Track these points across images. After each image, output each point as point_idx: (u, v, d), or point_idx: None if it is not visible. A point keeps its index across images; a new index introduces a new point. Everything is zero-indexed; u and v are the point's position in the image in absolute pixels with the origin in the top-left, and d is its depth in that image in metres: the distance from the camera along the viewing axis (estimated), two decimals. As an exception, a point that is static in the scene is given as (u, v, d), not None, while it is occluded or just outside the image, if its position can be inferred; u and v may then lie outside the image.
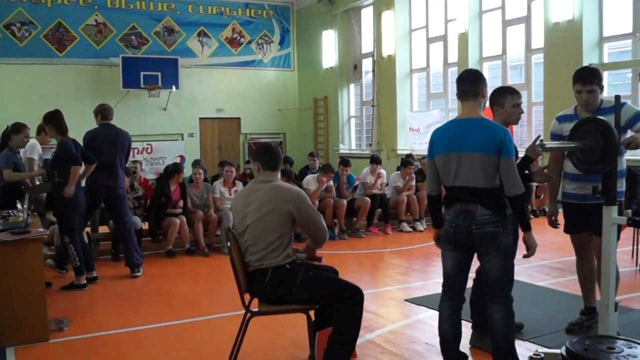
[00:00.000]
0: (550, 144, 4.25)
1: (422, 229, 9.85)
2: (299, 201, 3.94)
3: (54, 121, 6.41)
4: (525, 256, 3.68)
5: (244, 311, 4.04)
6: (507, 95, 4.12)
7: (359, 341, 4.18)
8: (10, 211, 5.94)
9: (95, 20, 15.05)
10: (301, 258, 4.13)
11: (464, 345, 4.14)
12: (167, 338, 4.97)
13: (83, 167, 6.47)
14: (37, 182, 7.02)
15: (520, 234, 3.74)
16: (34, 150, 7.72)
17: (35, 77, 14.26)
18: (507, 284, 3.65)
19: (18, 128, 6.75)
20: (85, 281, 6.57)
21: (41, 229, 5.20)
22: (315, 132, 16.69)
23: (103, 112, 7.15)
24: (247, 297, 4.03)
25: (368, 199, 9.48)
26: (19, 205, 5.83)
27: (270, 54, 17.11)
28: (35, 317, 4.79)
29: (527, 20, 11.76)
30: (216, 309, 5.67)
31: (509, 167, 3.49)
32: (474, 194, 3.56)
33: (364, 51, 15.32)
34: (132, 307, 5.96)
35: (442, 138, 3.71)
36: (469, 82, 3.67)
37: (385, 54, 14.10)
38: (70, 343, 4.86)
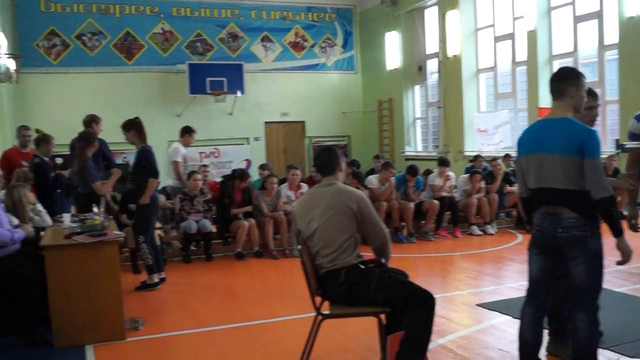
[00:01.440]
0: (630, 144, 4.07)
1: (493, 232, 9.63)
2: (360, 202, 3.91)
3: (136, 128, 6.61)
4: (619, 263, 3.51)
5: (314, 314, 4.02)
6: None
7: (430, 346, 4.09)
8: (86, 214, 6.14)
9: (162, 29, 15.41)
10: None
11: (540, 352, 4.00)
12: (238, 339, 5.01)
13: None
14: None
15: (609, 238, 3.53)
16: (177, 153, 8.38)
17: (105, 85, 14.70)
18: (594, 291, 3.49)
19: (94, 137, 6.95)
20: (157, 280, 6.74)
21: (117, 232, 5.34)
22: (380, 134, 16.60)
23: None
24: (318, 300, 4.02)
25: (436, 201, 9.34)
26: (94, 209, 6.00)
27: (333, 57, 17.13)
28: (112, 316, 4.92)
29: (599, 15, 11.33)
30: (286, 311, 5.67)
31: (593, 169, 3.34)
32: (558, 196, 3.43)
33: (428, 52, 15.14)
34: (204, 308, 6.05)
35: (526, 139, 3.63)
36: (555, 82, 3.57)
37: (450, 54, 13.90)
38: (145, 342, 4.97)
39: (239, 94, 15.22)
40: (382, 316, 3.97)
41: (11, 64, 10.67)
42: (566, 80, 3.53)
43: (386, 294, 3.83)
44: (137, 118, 6.70)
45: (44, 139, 7.20)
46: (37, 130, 7.36)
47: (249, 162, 14.99)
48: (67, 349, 4.74)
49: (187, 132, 9.18)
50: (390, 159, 15.07)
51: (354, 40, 17.35)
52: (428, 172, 10.04)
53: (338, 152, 4.19)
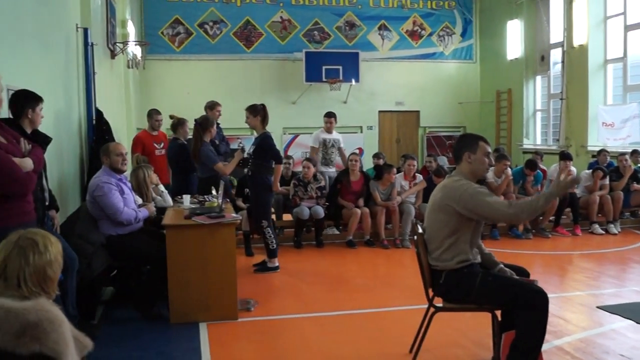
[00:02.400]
0: None
1: (616, 231, 9.10)
2: (462, 196, 3.70)
3: (262, 114, 6.79)
4: None
5: (424, 305, 3.98)
6: None
7: (545, 346, 3.94)
8: (205, 196, 6.37)
9: (281, 17, 15.68)
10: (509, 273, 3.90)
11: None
12: (347, 326, 5.04)
13: None
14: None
15: None
16: (317, 139, 8.91)
17: (224, 72, 15.16)
18: None
19: (212, 122, 7.15)
20: (277, 264, 6.91)
21: (234, 214, 5.50)
22: (497, 126, 16.07)
23: None
24: (431, 292, 3.96)
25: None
26: (213, 192, 6.22)
27: (451, 46, 16.74)
28: (226, 296, 5.08)
29: None
30: (395, 302, 5.65)
31: None
32: None
33: (552, 41, 14.43)
34: (314, 293, 6.13)
35: None
36: None
37: (576, 43, 13.18)
38: (256, 323, 5.11)
39: (353, 82, 15.23)
40: (498, 312, 3.86)
41: (138, 51, 11.27)
42: None
43: (490, 298, 3.72)
44: (263, 105, 6.86)
45: (179, 123, 7.48)
46: (172, 116, 7.69)
47: (361, 150, 14.99)
48: (182, 325, 4.95)
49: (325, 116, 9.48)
50: (507, 151, 14.59)
51: (474, 29, 16.86)
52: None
53: (470, 139, 3.94)
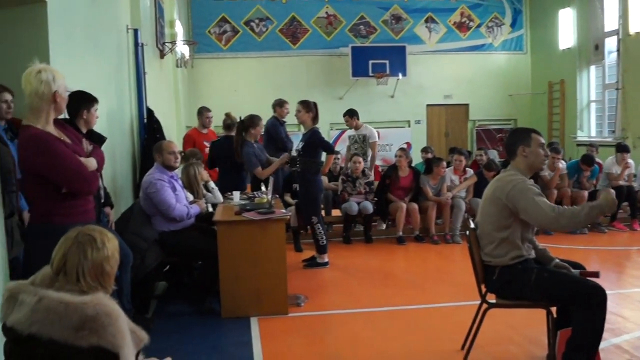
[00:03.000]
0: None
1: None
2: (512, 190, 3.64)
3: (314, 111, 6.85)
4: None
5: (475, 302, 3.92)
6: None
7: (603, 345, 3.84)
8: (255, 193, 6.43)
9: (326, 13, 15.68)
10: (574, 274, 3.78)
11: None
12: (397, 322, 5.00)
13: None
14: None
15: None
16: (374, 135, 8.93)
17: (270, 69, 15.28)
18: None
19: (255, 122, 7.14)
20: (327, 260, 6.93)
21: (284, 211, 5.53)
22: (550, 118, 15.70)
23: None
24: (484, 288, 3.90)
25: (613, 191, 8.63)
26: (263, 188, 6.26)
27: (501, 37, 16.43)
28: (277, 291, 5.11)
29: None
30: (446, 298, 5.58)
31: None
32: None
33: (607, 29, 14.00)
34: (364, 289, 6.10)
35: None
36: None
37: (633, 31, 12.75)
38: (306, 318, 5.13)
39: (401, 76, 15.12)
40: (553, 309, 3.77)
41: (186, 51, 11.44)
42: None
43: (546, 294, 3.63)
44: (315, 103, 6.93)
45: (233, 123, 7.57)
46: (228, 115, 7.76)
47: (409, 145, 14.88)
48: (234, 319, 5.01)
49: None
50: (561, 144, 14.27)
51: (524, 19, 16.51)
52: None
53: (522, 133, 3.87)
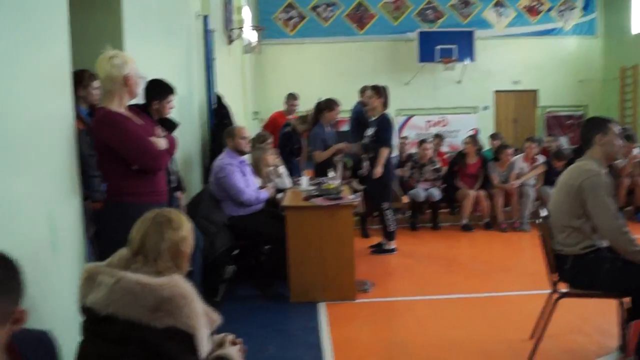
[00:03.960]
0: None
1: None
2: (585, 181, 3.54)
3: (385, 95, 6.83)
4: None
5: (544, 291, 3.86)
6: None
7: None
8: (322, 178, 6.46)
9: (393, -3, 15.51)
10: None
11: None
12: (463, 309, 4.97)
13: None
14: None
15: None
16: None
17: (336, 54, 15.20)
18: None
19: (331, 105, 7.23)
20: (394, 246, 6.94)
21: (352, 196, 5.54)
22: (622, 104, 15.11)
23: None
24: (554, 277, 3.83)
25: None
26: (330, 173, 6.28)
27: (572, 20, 15.86)
28: (344, 277, 5.13)
29: None
30: (514, 286, 5.50)
31: None
32: None
33: (686, 11, 13.39)
34: (429, 276, 6.08)
35: None
36: None
37: None
38: (373, 304, 5.14)
39: (468, 61, 14.83)
40: (626, 300, 3.67)
41: (254, 37, 11.54)
42: None
43: (618, 285, 3.52)
44: (385, 87, 6.87)
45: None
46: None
47: (476, 131, 14.61)
48: (301, 304, 5.07)
49: None
50: (634, 131, 13.73)
51: (596, 2, 15.90)
52: None
53: (598, 122, 3.78)
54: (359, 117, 7.78)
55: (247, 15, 11.20)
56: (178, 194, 4.77)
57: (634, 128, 14.13)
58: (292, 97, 8.80)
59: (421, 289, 5.57)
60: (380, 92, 6.77)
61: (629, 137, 8.50)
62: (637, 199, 8.40)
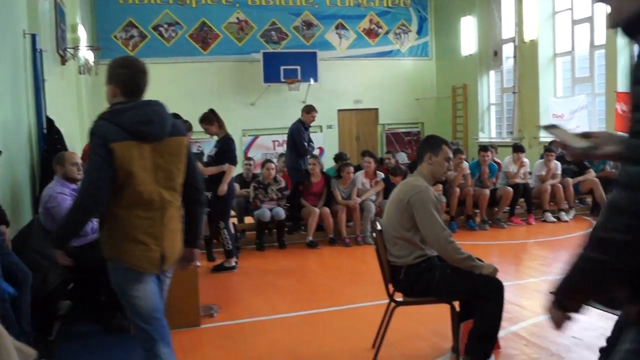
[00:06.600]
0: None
1: (567, 219, 9.38)
2: (414, 196, 3.80)
3: (217, 119, 6.80)
4: None
5: (387, 301, 4.02)
6: None
7: (502, 333, 4.10)
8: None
9: (237, 18, 15.56)
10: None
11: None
12: (313, 325, 5.06)
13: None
14: None
15: None
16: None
17: (181, 75, 14.95)
18: None
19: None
20: (234, 263, 6.95)
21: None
22: (454, 120, 16.28)
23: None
24: (391, 287, 4.01)
25: (510, 188, 9.15)
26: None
27: (407, 43, 16.87)
28: (188, 303, 5.00)
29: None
30: (359, 299, 5.67)
31: None
32: None
33: (504, 36, 14.67)
34: (278, 295, 6.11)
35: None
36: None
37: (527, 38, 13.43)
38: (220, 328, 5.07)
39: (312, 82, 15.24)
40: (456, 303, 3.94)
41: (90, 56, 11.05)
42: None
43: (449, 290, 3.81)
44: (212, 110, 6.86)
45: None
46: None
47: (321, 150, 15.01)
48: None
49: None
50: (464, 145, 14.81)
51: (429, 26, 17.03)
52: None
53: (434, 142, 4.03)
54: (294, 135, 8.78)
55: (82, 34, 10.71)
56: (2, 227, 4.42)
57: (465, 141, 15.26)
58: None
59: (271, 309, 5.57)
60: (208, 119, 6.79)
61: (457, 151, 9.16)
62: (468, 208, 9.04)
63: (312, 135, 15.38)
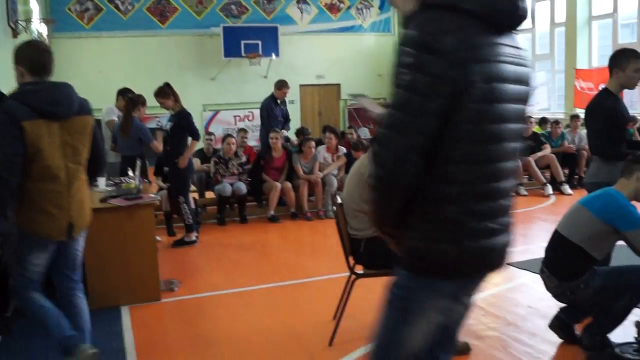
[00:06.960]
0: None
1: (524, 193, 9.52)
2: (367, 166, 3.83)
3: (172, 92, 6.68)
4: None
5: (348, 274, 4.03)
6: (630, 59, 3.93)
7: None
8: (122, 178, 6.19)
9: (196, -9, 15.30)
10: None
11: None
12: (274, 299, 5.06)
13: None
14: None
15: None
16: (113, 112, 7.80)
17: (138, 49, 14.69)
18: None
19: (144, 100, 7.06)
20: (195, 238, 6.92)
21: (153, 195, 5.38)
22: (415, 97, 16.36)
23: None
24: (351, 260, 4.02)
25: None
26: (130, 172, 6.04)
27: (370, 18, 16.83)
28: (147, 278, 4.97)
29: (643, -30, 10.88)
30: (321, 272, 5.69)
31: None
32: None
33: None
34: (239, 269, 6.10)
35: None
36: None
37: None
38: (181, 302, 5.04)
39: (273, 56, 15.12)
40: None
41: (44, 29, 10.74)
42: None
43: None
44: (167, 83, 6.75)
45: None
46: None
47: (283, 125, 14.92)
48: (103, 309, 4.77)
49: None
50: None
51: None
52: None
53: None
54: (263, 111, 8.76)
55: (35, 6, 10.38)
56: None
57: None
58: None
59: (231, 282, 5.57)
60: (164, 93, 6.67)
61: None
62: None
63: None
